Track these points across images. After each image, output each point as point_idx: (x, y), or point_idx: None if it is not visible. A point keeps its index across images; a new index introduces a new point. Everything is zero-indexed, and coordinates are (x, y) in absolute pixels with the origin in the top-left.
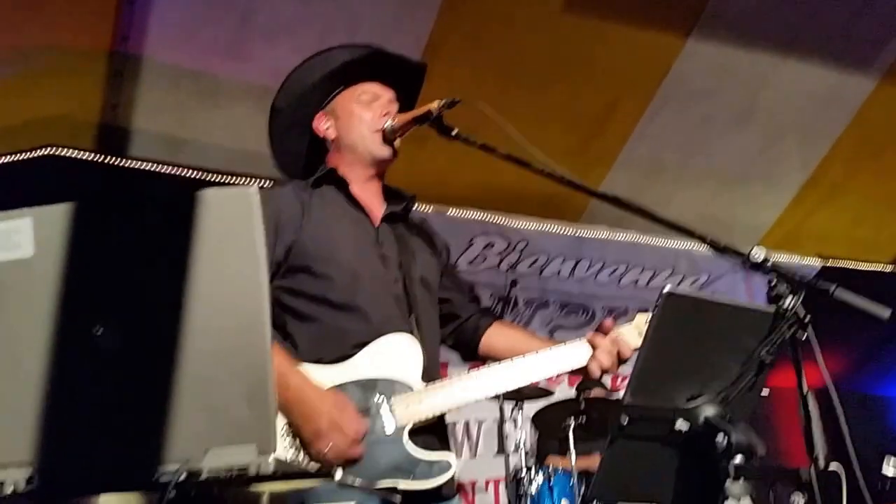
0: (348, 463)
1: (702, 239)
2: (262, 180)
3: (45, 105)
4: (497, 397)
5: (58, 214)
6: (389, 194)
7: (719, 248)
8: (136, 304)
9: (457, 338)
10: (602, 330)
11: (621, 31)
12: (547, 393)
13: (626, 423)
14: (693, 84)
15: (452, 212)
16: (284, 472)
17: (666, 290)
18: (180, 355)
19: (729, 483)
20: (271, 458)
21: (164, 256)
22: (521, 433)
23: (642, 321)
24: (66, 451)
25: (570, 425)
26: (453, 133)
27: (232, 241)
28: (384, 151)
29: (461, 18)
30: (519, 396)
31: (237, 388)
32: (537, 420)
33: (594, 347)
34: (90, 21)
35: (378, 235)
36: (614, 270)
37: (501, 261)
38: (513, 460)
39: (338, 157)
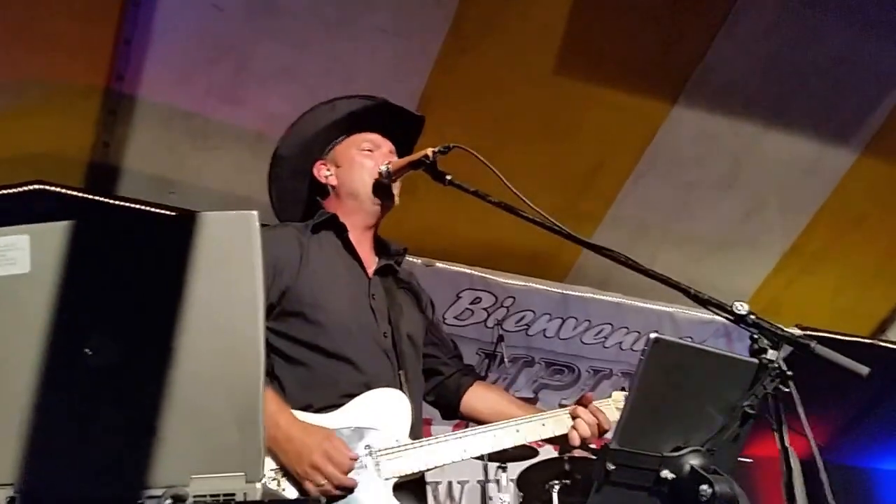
0: (339, 496)
1: (686, 292)
2: None
3: (36, 140)
4: (481, 457)
5: (56, 232)
6: (381, 246)
7: (703, 301)
8: (130, 324)
9: (438, 394)
10: (582, 402)
11: (610, 96)
12: (532, 453)
13: (612, 469)
14: (678, 150)
15: (441, 265)
16: (272, 499)
17: (653, 336)
18: (172, 378)
19: None
20: (259, 485)
21: (160, 277)
22: (505, 496)
23: (620, 398)
24: (50, 472)
25: (554, 486)
26: (447, 179)
27: (230, 263)
28: (383, 199)
29: (455, 74)
30: (503, 457)
31: (228, 412)
32: (521, 481)
33: (574, 417)
34: (87, 59)
35: (370, 287)
36: (600, 331)
37: (489, 316)
38: None
39: (337, 204)
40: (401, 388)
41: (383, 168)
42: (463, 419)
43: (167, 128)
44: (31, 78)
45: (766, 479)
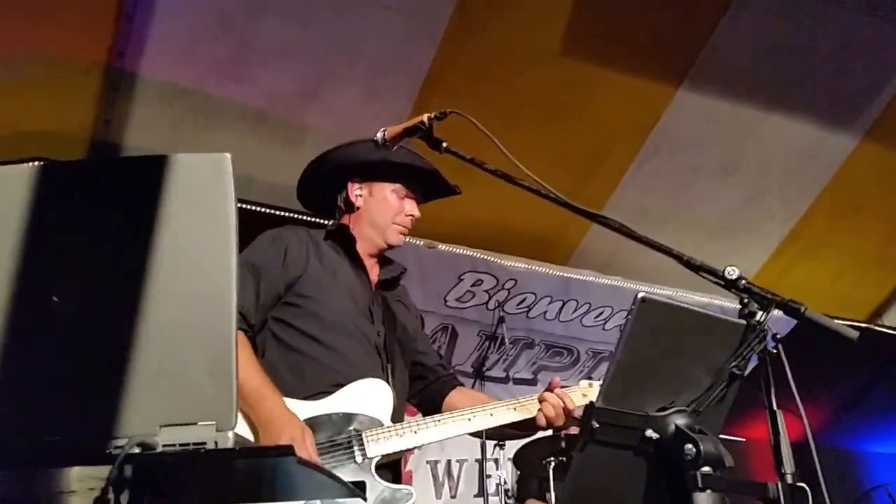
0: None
1: (678, 258)
2: (250, 205)
3: (37, 116)
4: (479, 434)
5: (21, 175)
6: (384, 262)
7: (694, 267)
8: (98, 269)
9: (422, 397)
10: (550, 387)
11: (615, 78)
12: (530, 432)
13: (596, 427)
14: (681, 134)
15: (443, 247)
16: (244, 448)
17: (641, 294)
18: (141, 325)
19: (696, 494)
20: (230, 434)
21: (130, 221)
22: (502, 473)
23: (586, 385)
24: (14, 420)
25: (550, 463)
26: (443, 146)
27: (203, 207)
28: (396, 240)
29: (461, 54)
30: (501, 436)
31: (199, 361)
32: (518, 459)
33: (541, 401)
34: (88, 35)
35: (372, 297)
36: (600, 314)
37: (490, 298)
38: (493, 502)
39: (354, 223)
40: (387, 380)
41: (379, 135)
42: None
43: (169, 105)
44: (33, 54)
45: (758, 459)
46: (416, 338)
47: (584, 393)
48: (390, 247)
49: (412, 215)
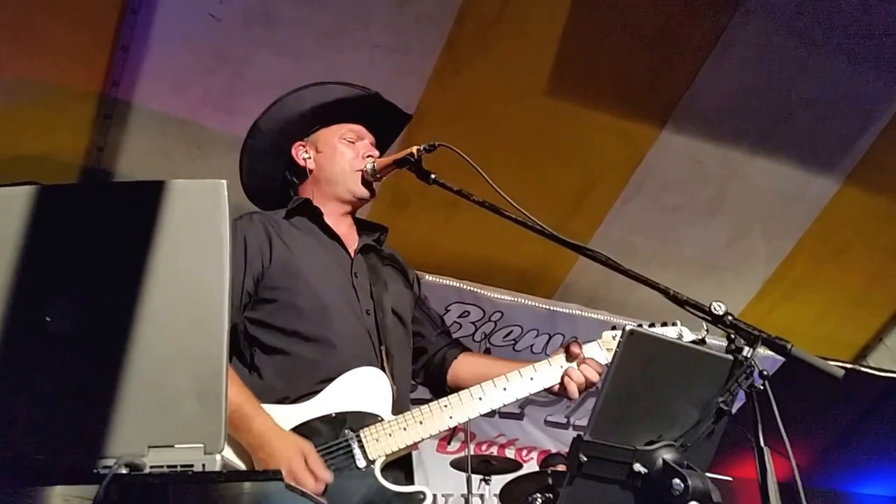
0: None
1: (665, 292)
2: None
3: (30, 142)
4: (464, 469)
5: (20, 197)
6: (362, 226)
7: (681, 302)
8: (92, 291)
9: (426, 372)
10: (571, 355)
11: (600, 119)
12: (516, 466)
13: (584, 461)
14: (665, 174)
15: (430, 278)
16: (231, 472)
17: (629, 327)
18: (133, 347)
19: None
20: (218, 457)
21: (126, 244)
22: None
23: (609, 337)
24: (4, 438)
25: (536, 499)
26: (431, 178)
27: (197, 232)
28: (363, 191)
29: (448, 92)
30: (487, 470)
31: (189, 383)
32: (504, 495)
33: (566, 376)
34: (84, 64)
35: (353, 266)
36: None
37: (476, 330)
38: None
39: (313, 189)
40: (381, 366)
41: (369, 166)
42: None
43: (161, 134)
44: (29, 80)
45: (746, 499)
46: (411, 304)
47: (607, 347)
48: (360, 199)
49: (371, 155)
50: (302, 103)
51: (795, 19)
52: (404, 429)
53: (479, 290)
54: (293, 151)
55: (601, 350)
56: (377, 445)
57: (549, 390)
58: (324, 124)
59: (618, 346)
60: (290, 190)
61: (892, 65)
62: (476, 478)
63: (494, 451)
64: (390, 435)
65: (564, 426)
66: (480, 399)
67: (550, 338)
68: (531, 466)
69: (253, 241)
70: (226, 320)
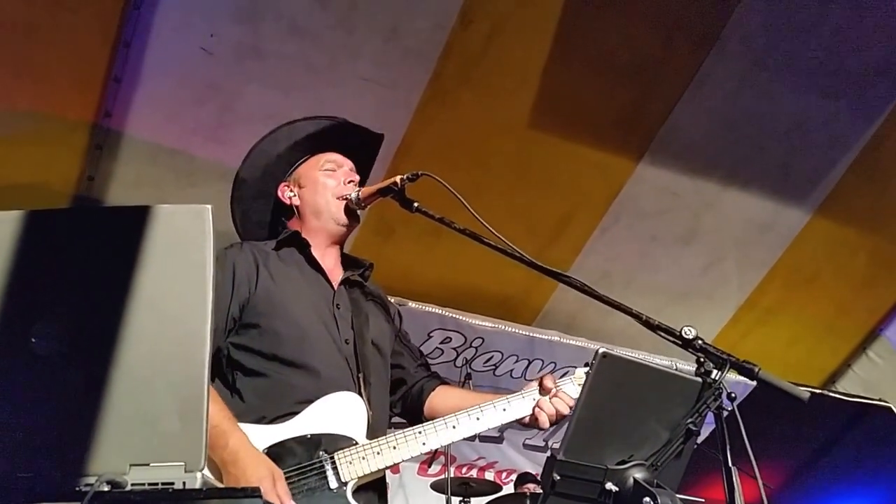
0: None
1: (637, 317)
2: None
3: (21, 170)
4: (444, 491)
5: (6, 221)
6: (348, 261)
7: (653, 327)
8: (77, 313)
9: (403, 403)
10: (544, 388)
11: (579, 151)
12: (496, 489)
13: (557, 479)
14: (642, 204)
15: (413, 305)
16: (211, 489)
17: (601, 350)
18: (116, 367)
19: None
20: (199, 475)
21: (111, 267)
22: None
23: (581, 373)
24: None
25: None
26: (415, 206)
27: (182, 256)
28: (346, 219)
29: (434, 125)
30: (467, 493)
31: (171, 403)
32: None
33: (537, 407)
34: (77, 94)
35: (335, 297)
36: (565, 373)
37: (458, 356)
38: None
39: (301, 223)
40: (359, 392)
41: (353, 195)
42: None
43: (152, 163)
44: (20, 109)
45: None
46: (391, 337)
47: (578, 383)
48: (345, 227)
49: (353, 180)
50: (276, 145)
51: (768, 55)
52: (378, 453)
53: (460, 317)
54: (279, 193)
55: (574, 385)
56: (350, 468)
57: (520, 421)
58: (302, 160)
59: (590, 368)
60: (279, 228)
61: (860, 100)
62: (456, 500)
63: (474, 473)
64: (364, 458)
65: (543, 449)
66: (454, 427)
67: (530, 363)
68: (510, 489)
69: (241, 269)
70: (208, 342)
